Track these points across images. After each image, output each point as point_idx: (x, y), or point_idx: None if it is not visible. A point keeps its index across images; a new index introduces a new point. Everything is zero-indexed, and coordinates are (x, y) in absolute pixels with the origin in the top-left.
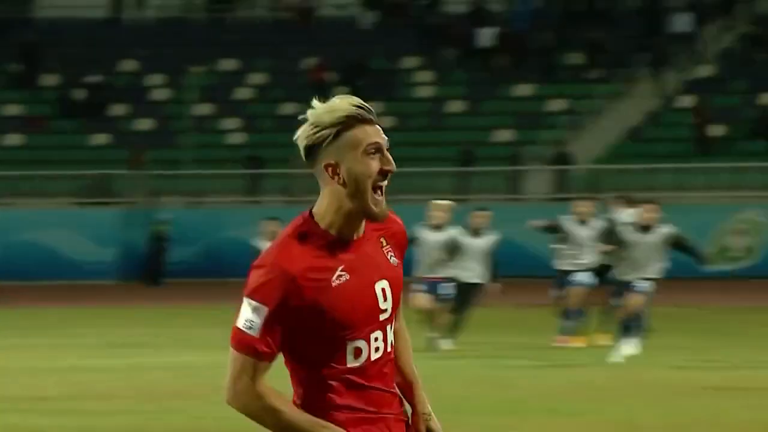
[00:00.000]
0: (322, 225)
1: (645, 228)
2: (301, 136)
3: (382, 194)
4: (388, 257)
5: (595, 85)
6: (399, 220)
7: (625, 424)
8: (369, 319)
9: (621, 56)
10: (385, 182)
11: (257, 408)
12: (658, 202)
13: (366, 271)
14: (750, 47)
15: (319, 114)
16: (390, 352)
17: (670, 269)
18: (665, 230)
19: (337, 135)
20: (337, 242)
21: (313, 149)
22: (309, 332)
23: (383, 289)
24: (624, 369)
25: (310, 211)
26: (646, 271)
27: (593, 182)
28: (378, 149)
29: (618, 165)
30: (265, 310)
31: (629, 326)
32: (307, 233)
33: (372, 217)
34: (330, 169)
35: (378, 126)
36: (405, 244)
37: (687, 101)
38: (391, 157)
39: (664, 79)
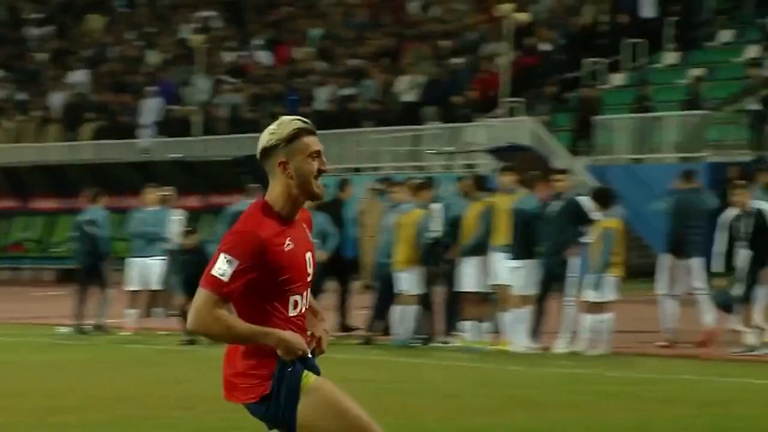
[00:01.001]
0: (276, 208)
1: None
2: (262, 140)
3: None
4: (308, 236)
5: None
6: (307, 210)
7: None
8: (302, 279)
9: None
10: (320, 178)
11: (216, 328)
12: None
13: (301, 244)
14: None
15: (278, 124)
16: (304, 315)
17: None
18: None
19: (289, 141)
20: (285, 221)
21: (269, 150)
22: (266, 285)
23: (310, 258)
24: None
25: (264, 198)
26: None
27: None
28: (318, 155)
29: None
30: (236, 263)
31: None
32: (266, 212)
33: (314, 197)
34: (282, 165)
35: (317, 137)
36: (311, 227)
37: None
38: (325, 160)
39: None
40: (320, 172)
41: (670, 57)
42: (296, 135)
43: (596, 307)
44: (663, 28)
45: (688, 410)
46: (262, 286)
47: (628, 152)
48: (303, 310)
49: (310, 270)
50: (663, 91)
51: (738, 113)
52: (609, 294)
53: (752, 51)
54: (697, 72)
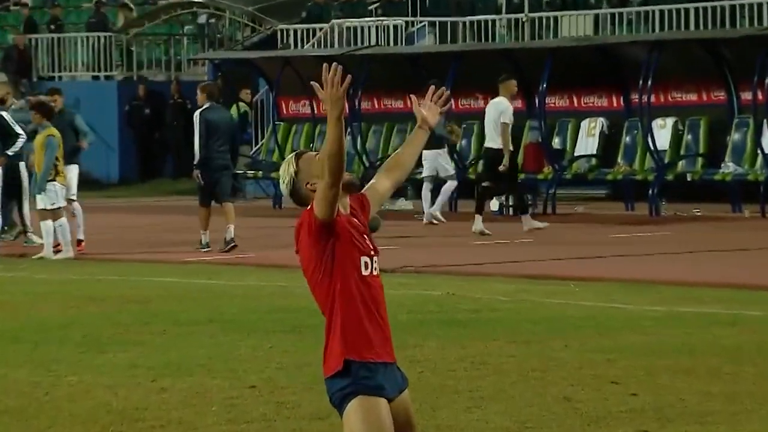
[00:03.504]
0: None
1: None
2: (283, 191)
3: None
4: (363, 222)
5: None
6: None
7: None
8: (365, 245)
9: None
10: None
11: (327, 162)
12: None
13: (356, 224)
14: None
15: (281, 169)
16: (377, 277)
17: None
18: None
19: (297, 172)
20: (341, 215)
21: (293, 189)
22: (340, 249)
23: (367, 235)
24: None
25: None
26: None
27: None
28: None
29: None
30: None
31: None
32: None
33: (347, 186)
34: (308, 185)
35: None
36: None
37: None
38: None
39: None
40: None
41: None
42: (296, 162)
43: (50, 214)
44: None
45: (112, 306)
46: (337, 251)
47: (47, 70)
48: (373, 272)
49: (369, 244)
50: (72, 14)
51: (139, 36)
52: (58, 200)
53: None
54: None
